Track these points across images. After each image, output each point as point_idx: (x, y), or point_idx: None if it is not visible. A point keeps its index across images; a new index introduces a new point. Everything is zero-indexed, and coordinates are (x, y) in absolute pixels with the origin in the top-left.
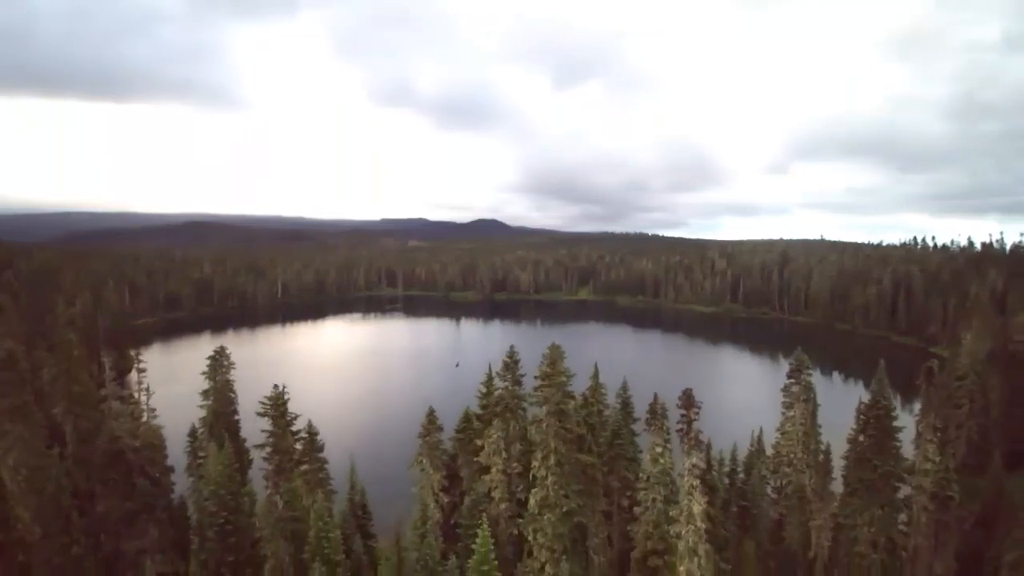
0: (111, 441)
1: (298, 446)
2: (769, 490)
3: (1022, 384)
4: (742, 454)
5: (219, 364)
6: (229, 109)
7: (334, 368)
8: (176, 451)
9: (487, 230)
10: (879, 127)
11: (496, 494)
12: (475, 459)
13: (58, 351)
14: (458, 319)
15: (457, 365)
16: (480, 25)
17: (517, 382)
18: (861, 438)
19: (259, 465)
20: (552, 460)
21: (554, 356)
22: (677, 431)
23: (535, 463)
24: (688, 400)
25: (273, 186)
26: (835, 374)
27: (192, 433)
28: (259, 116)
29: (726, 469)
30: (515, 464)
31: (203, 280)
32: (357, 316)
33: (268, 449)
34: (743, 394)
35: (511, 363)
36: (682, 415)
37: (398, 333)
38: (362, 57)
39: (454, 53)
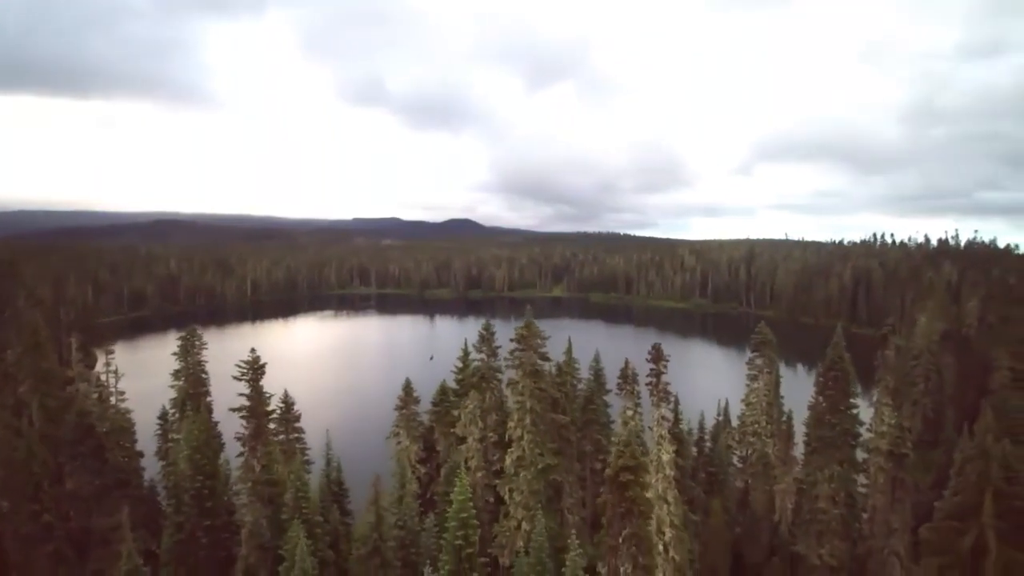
0: (81, 416)
1: (274, 415)
2: (735, 459)
3: (973, 365)
4: (709, 426)
5: (190, 345)
6: (196, 107)
7: (307, 362)
8: (144, 440)
9: (461, 230)
10: (840, 131)
11: (472, 463)
12: (451, 430)
13: (24, 330)
14: (432, 316)
15: (431, 358)
16: (452, 26)
17: (493, 354)
18: (820, 399)
19: (235, 449)
20: (528, 420)
21: (529, 322)
22: (646, 384)
23: (511, 424)
24: (657, 353)
25: (242, 185)
26: (799, 366)
27: (163, 416)
28: (227, 114)
29: (694, 438)
30: (491, 434)
31: (169, 277)
32: (329, 313)
33: (244, 413)
34: (709, 380)
35: (487, 335)
36: (651, 369)
37: (372, 329)
38: (332, 56)
39: (426, 53)
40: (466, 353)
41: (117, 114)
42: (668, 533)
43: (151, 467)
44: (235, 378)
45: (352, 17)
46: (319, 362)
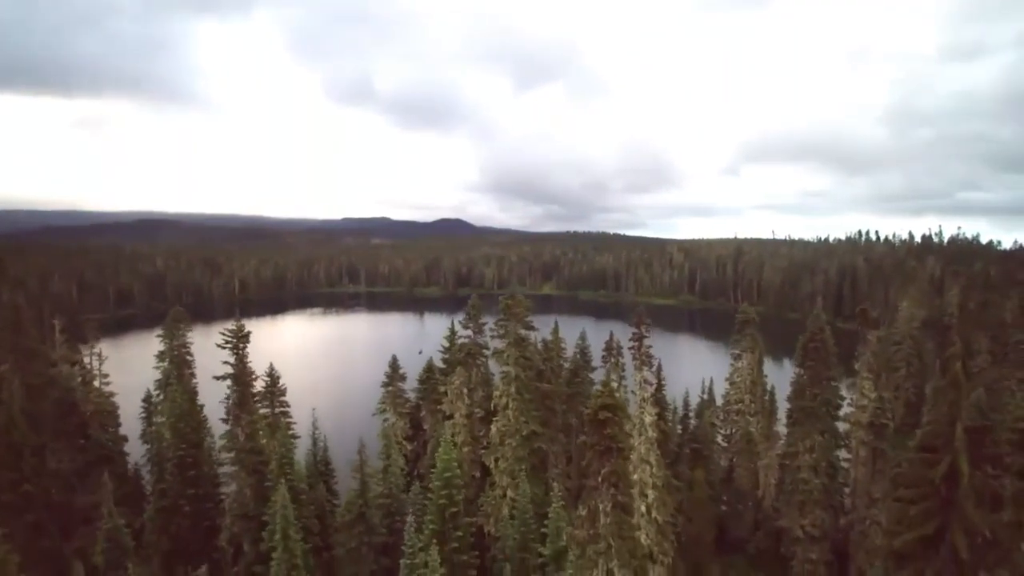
0: (64, 392)
1: (259, 390)
2: (719, 439)
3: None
4: (694, 404)
5: (175, 327)
6: (184, 107)
7: (295, 355)
8: (128, 427)
9: (452, 230)
10: (824, 132)
11: (459, 439)
12: (438, 407)
13: (4, 309)
14: (422, 313)
15: (420, 352)
16: (440, 27)
17: (479, 330)
18: (801, 371)
19: (220, 429)
20: (513, 388)
21: (514, 293)
22: (629, 348)
23: (496, 393)
24: (639, 318)
25: (230, 185)
26: (785, 360)
27: (147, 399)
28: (215, 114)
29: (679, 415)
30: (478, 409)
31: (155, 275)
32: (318, 311)
33: (229, 381)
34: (694, 370)
35: (473, 312)
36: (634, 333)
37: (361, 325)
38: (321, 55)
39: (414, 53)
40: (453, 332)
41: (103, 113)
42: (651, 495)
43: (135, 452)
44: (219, 346)
45: (340, 17)
46: (306, 356)
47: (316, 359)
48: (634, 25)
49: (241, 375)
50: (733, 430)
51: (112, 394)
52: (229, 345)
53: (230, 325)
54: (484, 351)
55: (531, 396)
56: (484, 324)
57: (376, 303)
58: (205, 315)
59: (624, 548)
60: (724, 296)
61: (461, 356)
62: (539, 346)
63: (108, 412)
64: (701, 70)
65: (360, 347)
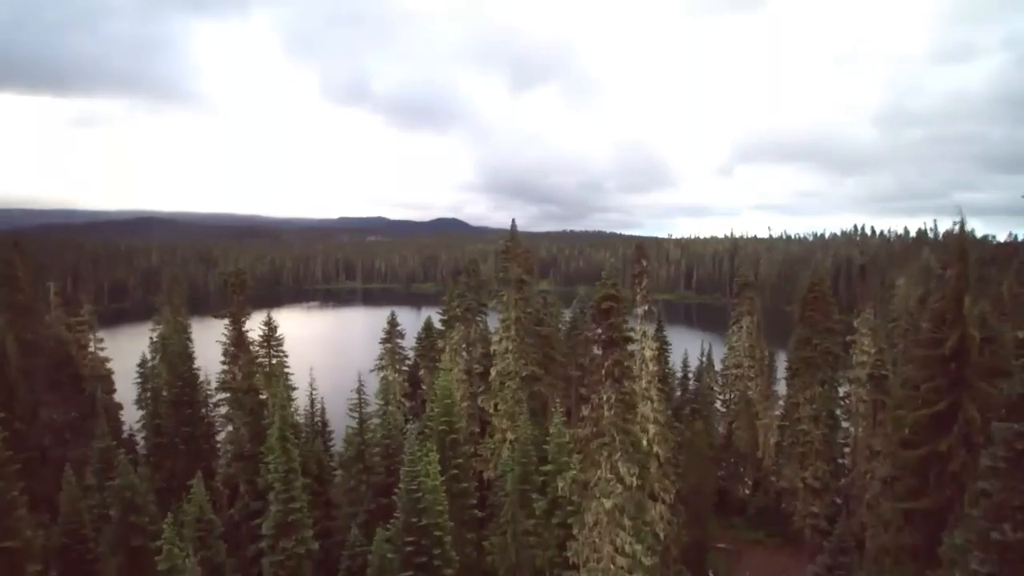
0: (58, 345)
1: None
2: (719, 404)
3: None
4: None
5: (174, 292)
6: (180, 106)
7: (291, 342)
8: (124, 402)
9: (448, 229)
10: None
11: (457, 395)
12: (436, 364)
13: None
14: (419, 307)
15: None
16: (436, 28)
17: (478, 287)
18: (801, 323)
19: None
20: (512, 331)
21: (514, 233)
22: (631, 284)
23: (495, 338)
24: (639, 251)
25: (226, 184)
26: (781, 354)
27: (142, 363)
28: (211, 114)
29: (679, 377)
30: (476, 365)
31: (150, 270)
32: (314, 305)
33: (227, 321)
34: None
35: (471, 269)
36: (634, 267)
37: (357, 317)
38: (317, 56)
39: (411, 54)
40: (452, 291)
41: (99, 112)
42: (652, 429)
43: (130, 418)
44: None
45: (337, 17)
46: (302, 344)
47: (312, 346)
48: (629, 26)
49: (238, 315)
50: (732, 395)
51: (107, 360)
52: (229, 286)
53: (226, 320)
54: (483, 307)
55: (531, 341)
56: (483, 281)
57: (372, 298)
58: (200, 309)
59: (628, 441)
60: (720, 291)
61: (460, 312)
62: (539, 301)
63: (103, 376)
64: (695, 71)
65: (356, 336)
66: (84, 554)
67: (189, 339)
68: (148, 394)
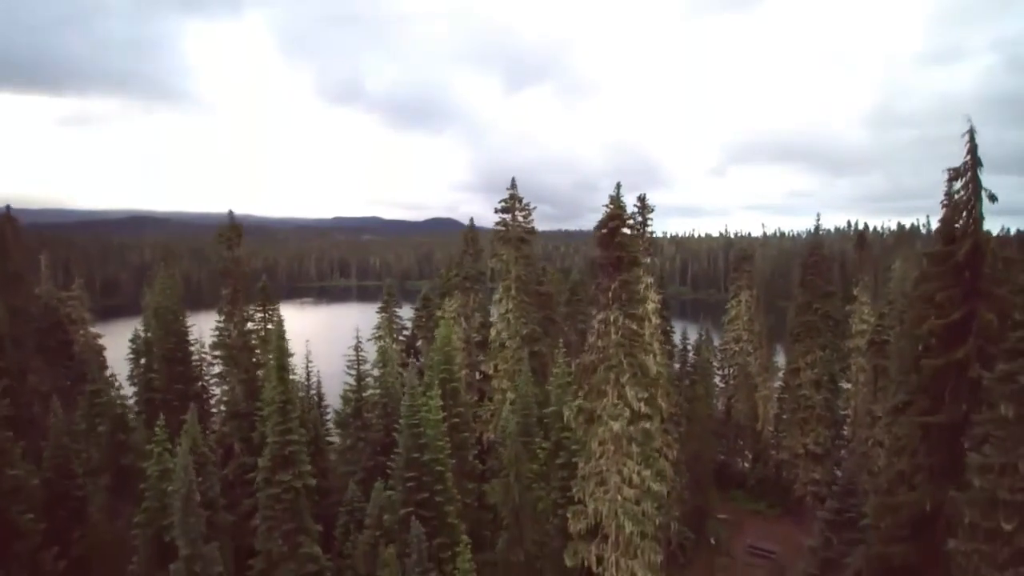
0: (49, 311)
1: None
2: (718, 379)
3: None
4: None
5: (170, 258)
6: (174, 106)
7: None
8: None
9: (443, 229)
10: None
11: (456, 364)
12: (434, 334)
13: None
14: (414, 302)
15: None
16: (431, 28)
17: (477, 256)
18: (802, 288)
19: None
20: (513, 289)
21: (513, 191)
22: (632, 236)
23: (495, 297)
24: (643, 202)
25: (219, 183)
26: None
27: (134, 339)
28: (204, 113)
29: (679, 349)
30: (475, 334)
31: (143, 265)
32: (308, 300)
33: (223, 278)
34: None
35: (469, 239)
36: (635, 215)
37: (352, 312)
38: (311, 55)
39: (405, 54)
40: (451, 263)
41: (92, 111)
42: (657, 357)
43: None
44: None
45: (331, 17)
46: (295, 336)
47: (306, 336)
48: (623, 27)
49: (234, 270)
50: (731, 369)
51: (98, 336)
52: (223, 241)
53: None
54: (481, 276)
55: (531, 300)
56: (482, 250)
57: (368, 295)
58: (192, 304)
59: (635, 363)
60: (715, 287)
61: (458, 280)
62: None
63: (95, 350)
64: (687, 72)
65: (351, 327)
66: (71, 490)
67: (184, 322)
68: (139, 352)
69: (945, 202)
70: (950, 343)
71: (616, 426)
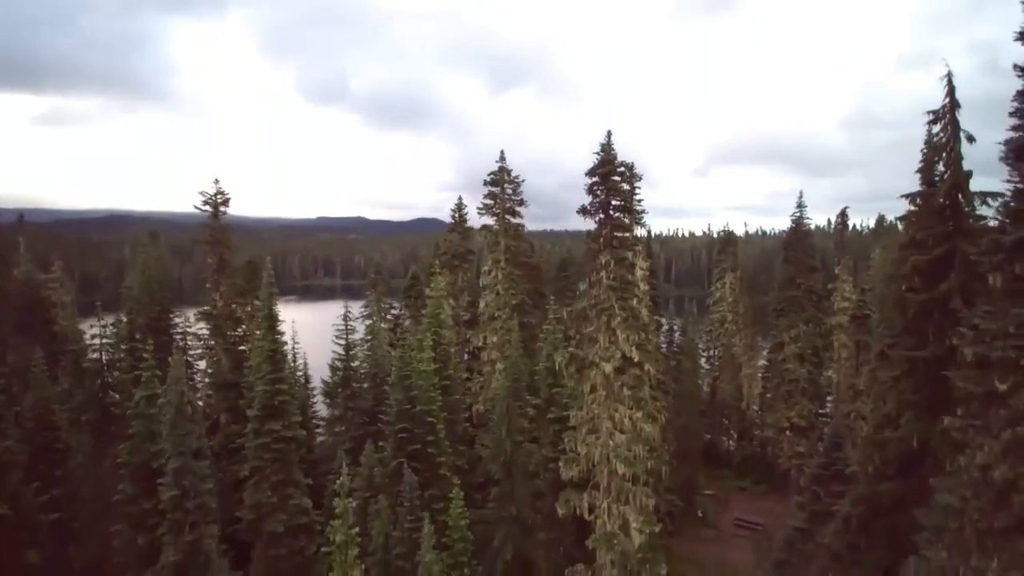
0: (29, 286)
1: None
2: (703, 361)
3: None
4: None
5: (154, 241)
6: (156, 104)
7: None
8: None
9: (429, 229)
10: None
11: (445, 342)
12: (422, 314)
13: None
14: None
15: None
16: (415, 29)
17: (465, 235)
18: (785, 264)
19: None
20: (502, 261)
21: (502, 160)
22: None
23: (484, 269)
24: (631, 170)
25: (201, 182)
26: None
27: (116, 321)
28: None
29: (665, 330)
30: (463, 313)
31: (123, 261)
32: (292, 298)
33: (208, 246)
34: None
35: (458, 216)
36: (621, 184)
37: (339, 307)
38: (294, 55)
39: (389, 55)
40: (439, 245)
41: (74, 110)
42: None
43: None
44: (196, 208)
45: (315, 17)
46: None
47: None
48: (606, 29)
49: (219, 238)
50: (716, 350)
51: (81, 320)
52: (207, 207)
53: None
54: (470, 255)
55: (521, 272)
56: (470, 228)
57: (353, 293)
58: (175, 302)
59: (627, 306)
60: (699, 284)
61: (447, 258)
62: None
63: (77, 332)
64: (671, 73)
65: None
66: (52, 442)
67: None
68: (124, 308)
69: (924, 149)
70: (933, 280)
71: (608, 367)
